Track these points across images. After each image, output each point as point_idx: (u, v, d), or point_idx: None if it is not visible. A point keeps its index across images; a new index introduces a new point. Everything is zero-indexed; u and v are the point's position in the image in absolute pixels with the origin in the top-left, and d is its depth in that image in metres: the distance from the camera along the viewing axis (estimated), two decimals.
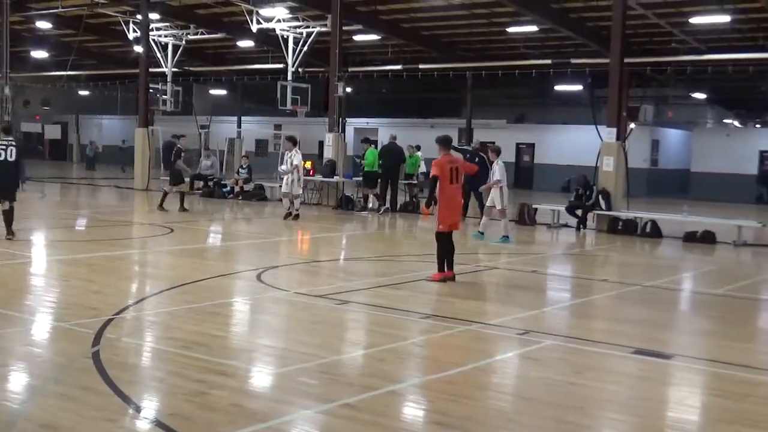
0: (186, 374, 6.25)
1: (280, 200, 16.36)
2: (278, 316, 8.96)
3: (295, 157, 18.69)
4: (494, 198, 15.91)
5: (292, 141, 19.07)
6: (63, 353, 6.90)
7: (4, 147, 13.54)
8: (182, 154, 20.33)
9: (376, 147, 23.81)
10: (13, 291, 9.59)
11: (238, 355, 7.08)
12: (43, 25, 35.15)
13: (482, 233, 16.00)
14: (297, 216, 18.53)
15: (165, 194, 19.96)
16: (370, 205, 22.29)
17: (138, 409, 5.53)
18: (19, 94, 40.79)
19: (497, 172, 15.86)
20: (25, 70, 41.95)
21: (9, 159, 13.47)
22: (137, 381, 6.20)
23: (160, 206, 19.63)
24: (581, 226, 19.12)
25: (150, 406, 5.68)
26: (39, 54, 40.17)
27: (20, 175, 13.98)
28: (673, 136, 39.44)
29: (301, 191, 19.33)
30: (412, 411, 5.93)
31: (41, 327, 7.98)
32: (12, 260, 11.88)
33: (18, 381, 6.21)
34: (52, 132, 52.62)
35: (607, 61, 20.19)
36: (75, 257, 12.38)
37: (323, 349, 7.21)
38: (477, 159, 18.56)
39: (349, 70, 28.81)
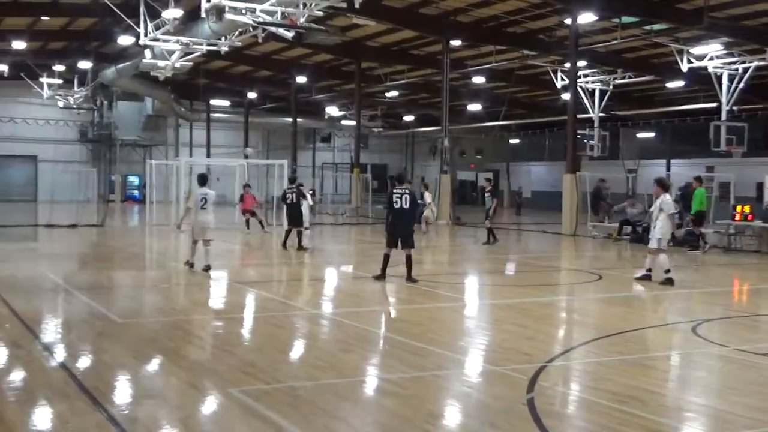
0: (621, 430, 6.08)
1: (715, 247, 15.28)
2: (717, 374, 8.37)
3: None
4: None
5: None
6: (499, 397, 7.14)
7: (399, 195, 13.66)
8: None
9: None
10: (454, 333, 10.24)
11: (674, 414, 6.72)
12: (478, 79, 37.91)
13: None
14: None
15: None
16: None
17: None
18: (456, 145, 44.14)
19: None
20: (461, 122, 45.46)
21: (404, 206, 13.64)
22: None
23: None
24: None
25: None
26: (473, 106, 43.17)
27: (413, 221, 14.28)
28: None
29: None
30: None
31: (478, 369, 8.37)
32: (451, 303, 12.76)
33: (456, 420, 6.56)
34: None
35: None
36: (507, 302, 12.85)
37: None
38: None
39: None
